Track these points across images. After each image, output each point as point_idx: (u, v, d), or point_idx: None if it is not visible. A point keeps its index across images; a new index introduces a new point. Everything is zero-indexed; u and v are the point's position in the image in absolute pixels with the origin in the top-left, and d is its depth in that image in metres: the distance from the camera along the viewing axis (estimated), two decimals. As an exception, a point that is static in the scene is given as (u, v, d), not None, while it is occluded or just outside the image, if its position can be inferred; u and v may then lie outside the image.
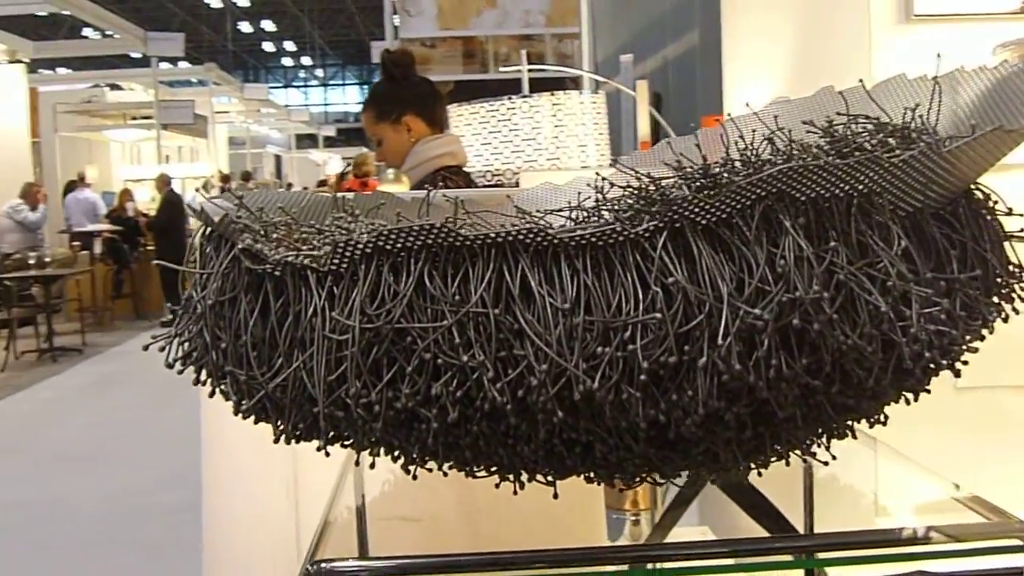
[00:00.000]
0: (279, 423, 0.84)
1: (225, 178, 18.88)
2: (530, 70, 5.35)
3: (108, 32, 13.75)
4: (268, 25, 34.81)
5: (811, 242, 0.77)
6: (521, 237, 0.76)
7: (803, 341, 0.76)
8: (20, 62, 13.61)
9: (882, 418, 0.93)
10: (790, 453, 0.92)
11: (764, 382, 0.75)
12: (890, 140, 0.96)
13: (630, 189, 0.82)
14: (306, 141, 34.22)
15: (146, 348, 0.86)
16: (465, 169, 3.02)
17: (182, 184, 18.36)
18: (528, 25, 11.35)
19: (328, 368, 0.77)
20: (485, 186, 3.56)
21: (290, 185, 19.36)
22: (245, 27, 35.07)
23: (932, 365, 0.83)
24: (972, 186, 0.96)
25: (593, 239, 0.76)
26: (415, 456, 0.84)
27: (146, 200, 15.67)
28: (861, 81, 1.12)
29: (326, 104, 45.91)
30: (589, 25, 8.58)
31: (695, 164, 0.84)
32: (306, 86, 46.60)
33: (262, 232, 0.84)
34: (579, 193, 1.32)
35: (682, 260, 0.76)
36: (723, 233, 0.77)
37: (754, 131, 0.99)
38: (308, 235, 0.84)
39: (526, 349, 0.74)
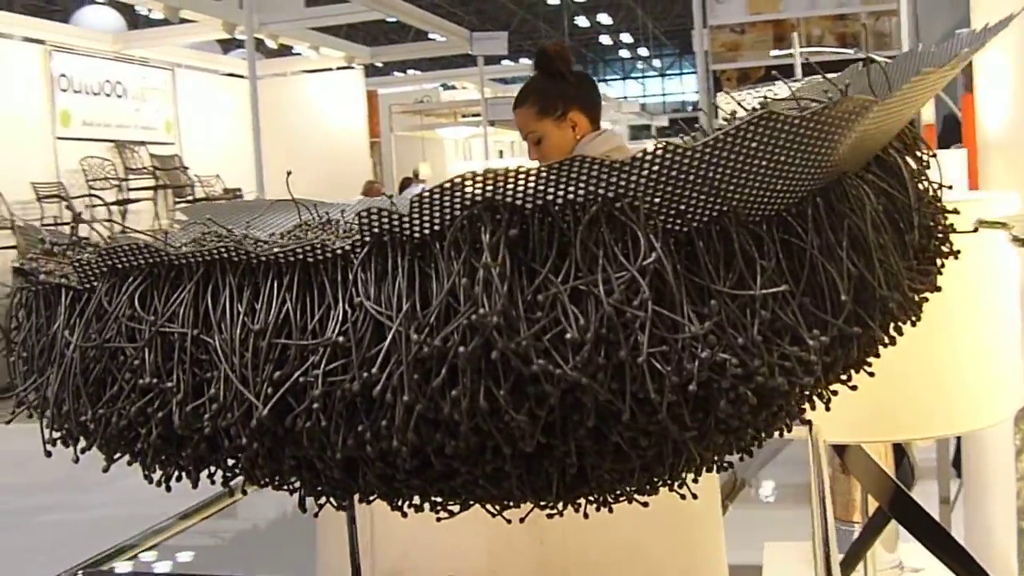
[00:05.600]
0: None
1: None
2: (803, 52, 5.11)
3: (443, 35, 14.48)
4: (604, 19, 35.35)
5: (534, 256, 0.68)
6: (227, 255, 0.73)
7: (509, 370, 0.67)
8: (371, 65, 14.61)
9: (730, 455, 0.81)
10: (604, 492, 0.82)
11: (462, 415, 0.67)
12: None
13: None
14: (643, 132, 34.46)
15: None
16: None
17: (513, 178, 19.02)
18: (842, 4, 10.80)
19: (61, 386, 0.77)
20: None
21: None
22: (582, 22, 35.81)
23: (732, 394, 0.71)
24: (849, 181, 0.82)
25: (299, 255, 0.72)
26: (146, 474, 0.81)
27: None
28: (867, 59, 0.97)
29: (664, 94, 45.94)
30: (909, 1, 8.05)
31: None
32: (644, 77, 46.84)
33: (52, 250, 0.85)
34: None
35: (387, 278, 0.70)
36: (434, 248, 0.70)
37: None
38: (83, 252, 0.84)
39: (218, 372, 0.71)
